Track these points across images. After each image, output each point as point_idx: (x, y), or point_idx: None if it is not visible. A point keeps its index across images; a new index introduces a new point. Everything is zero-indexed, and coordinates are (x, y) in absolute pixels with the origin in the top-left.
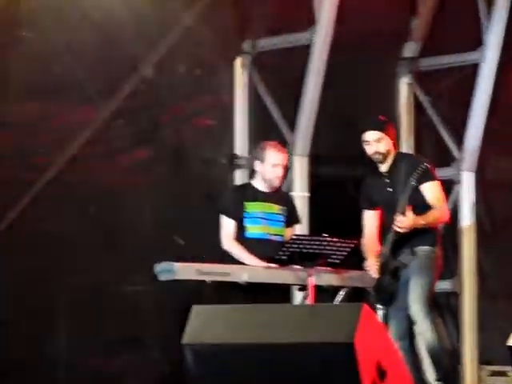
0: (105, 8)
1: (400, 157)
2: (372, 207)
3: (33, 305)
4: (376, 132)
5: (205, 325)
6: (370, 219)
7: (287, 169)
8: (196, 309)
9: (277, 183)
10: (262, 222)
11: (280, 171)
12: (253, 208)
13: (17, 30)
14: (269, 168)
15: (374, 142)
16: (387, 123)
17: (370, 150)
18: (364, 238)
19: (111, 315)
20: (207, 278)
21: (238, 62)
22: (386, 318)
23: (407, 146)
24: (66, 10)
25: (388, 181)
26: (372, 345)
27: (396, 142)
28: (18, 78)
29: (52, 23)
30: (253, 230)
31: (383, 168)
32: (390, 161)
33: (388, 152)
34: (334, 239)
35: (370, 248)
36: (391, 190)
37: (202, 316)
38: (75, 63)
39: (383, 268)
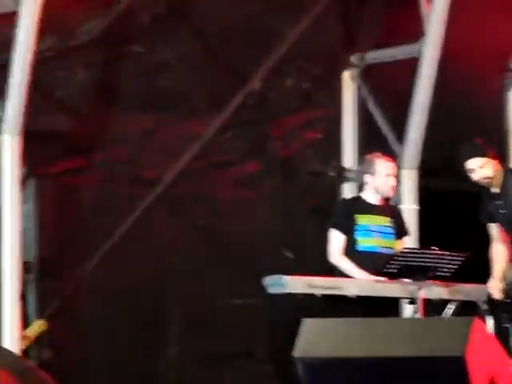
0: (214, 22)
1: (510, 175)
2: (493, 221)
3: (146, 317)
4: (479, 159)
5: (316, 338)
6: (495, 231)
7: (397, 179)
8: (307, 322)
9: (391, 193)
10: (374, 234)
11: (393, 181)
12: (364, 221)
13: (127, 45)
14: (382, 179)
15: (479, 169)
16: (487, 145)
17: (476, 176)
18: (491, 251)
19: (222, 328)
20: (317, 292)
21: (347, 75)
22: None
23: None
24: (174, 24)
25: (500, 202)
26: (484, 359)
27: (500, 159)
28: (128, 92)
29: (161, 37)
30: (365, 243)
31: (494, 189)
32: (499, 181)
33: (495, 174)
34: (444, 252)
35: (498, 260)
36: (505, 211)
37: (314, 329)
38: (184, 77)
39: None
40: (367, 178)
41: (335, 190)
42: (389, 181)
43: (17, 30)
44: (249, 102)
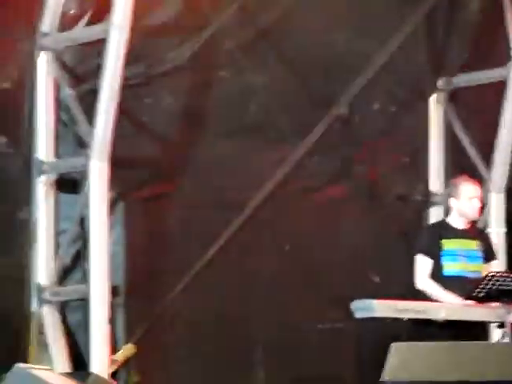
0: (300, 47)
1: None
2: None
3: (231, 343)
4: None
5: (405, 362)
6: None
7: (483, 202)
8: (395, 346)
9: (476, 216)
10: (460, 259)
11: (477, 203)
12: (450, 245)
13: (216, 70)
14: (466, 202)
15: None
16: None
17: None
18: None
19: (309, 353)
20: (404, 316)
21: (434, 99)
22: None
23: None
24: (261, 50)
25: None
26: None
27: None
28: (215, 118)
29: (249, 63)
30: (451, 267)
31: None
32: None
33: None
34: None
35: None
36: None
37: (402, 353)
38: (271, 102)
39: None
40: (452, 201)
41: (421, 214)
42: (473, 203)
43: (105, 57)
44: (335, 126)
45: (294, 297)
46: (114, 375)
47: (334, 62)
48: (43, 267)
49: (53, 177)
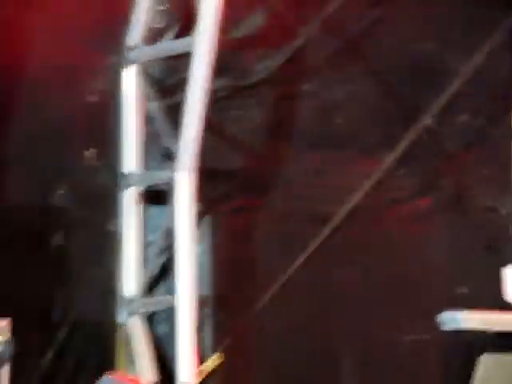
0: (385, 59)
1: None
2: None
3: (316, 357)
4: None
5: (494, 374)
6: None
7: None
8: (483, 358)
9: None
10: None
11: None
12: None
13: (302, 83)
14: None
15: None
16: None
17: None
18: None
19: (394, 365)
20: (492, 328)
21: None
22: None
23: None
24: (346, 62)
25: None
26: None
27: None
28: (302, 130)
29: (335, 76)
30: None
31: None
32: None
33: None
34: None
35: None
36: None
37: (490, 365)
38: (357, 114)
39: None
40: None
41: (509, 226)
42: None
43: (191, 70)
44: (422, 139)
45: (380, 309)
46: None
47: (421, 74)
48: (131, 278)
49: (140, 189)
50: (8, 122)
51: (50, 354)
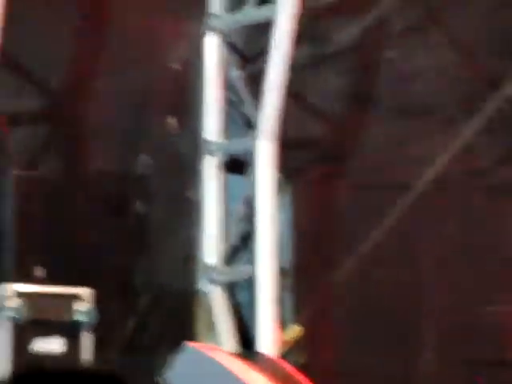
0: (467, 28)
1: None
2: None
3: (400, 324)
4: None
5: None
6: None
7: None
8: None
9: None
10: None
11: None
12: None
13: (383, 51)
14: None
15: None
16: None
17: None
18: None
19: (477, 336)
20: None
21: None
22: None
23: None
24: (428, 31)
25: None
26: None
27: None
28: (384, 98)
29: (415, 44)
30: None
31: None
32: None
33: None
34: None
35: None
36: None
37: None
38: (437, 83)
39: None
40: None
41: None
42: None
43: (273, 38)
44: (503, 108)
45: (463, 279)
46: (281, 356)
47: (503, 43)
48: (211, 247)
49: (221, 157)
50: (95, 91)
51: (131, 322)
